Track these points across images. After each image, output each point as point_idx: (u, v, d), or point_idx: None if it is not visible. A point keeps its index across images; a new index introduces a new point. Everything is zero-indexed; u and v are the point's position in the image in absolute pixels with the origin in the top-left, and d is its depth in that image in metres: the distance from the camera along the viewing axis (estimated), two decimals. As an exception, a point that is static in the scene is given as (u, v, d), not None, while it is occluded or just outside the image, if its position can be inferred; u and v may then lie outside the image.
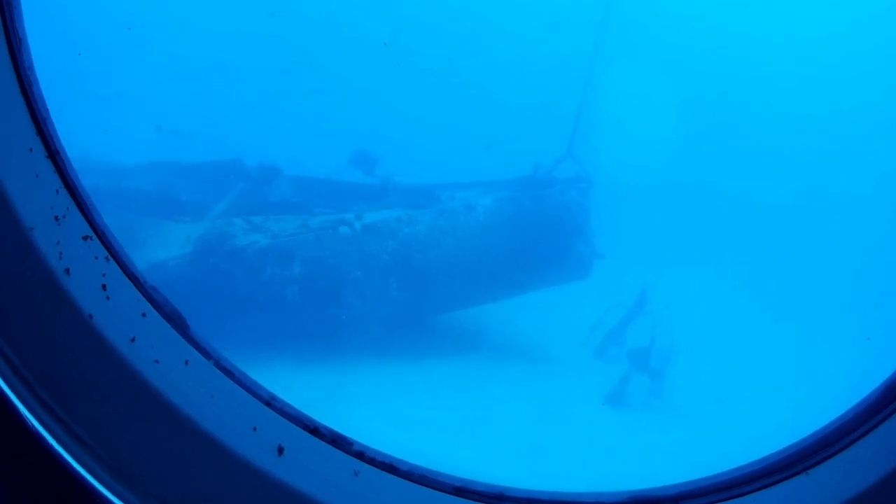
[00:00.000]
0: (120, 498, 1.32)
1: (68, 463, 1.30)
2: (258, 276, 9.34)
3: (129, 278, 1.38)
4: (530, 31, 25.02)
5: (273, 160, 11.42)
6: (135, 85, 21.07)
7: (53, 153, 1.34)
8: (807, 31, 25.88)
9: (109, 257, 1.36)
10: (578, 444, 9.15)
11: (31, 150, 1.31)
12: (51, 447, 1.29)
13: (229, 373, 1.43)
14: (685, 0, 25.07)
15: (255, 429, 1.38)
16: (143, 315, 1.38)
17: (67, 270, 1.31)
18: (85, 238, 1.35)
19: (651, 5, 24.30)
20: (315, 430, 1.42)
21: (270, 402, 1.44)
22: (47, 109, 1.35)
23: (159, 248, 9.18)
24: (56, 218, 1.32)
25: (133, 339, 1.34)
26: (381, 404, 8.91)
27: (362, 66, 23.49)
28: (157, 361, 1.35)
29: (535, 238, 10.50)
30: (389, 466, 1.43)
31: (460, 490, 1.45)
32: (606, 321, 11.82)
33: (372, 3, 24.80)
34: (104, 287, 1.35)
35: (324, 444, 1.42)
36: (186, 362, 1.39)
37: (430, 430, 8.67)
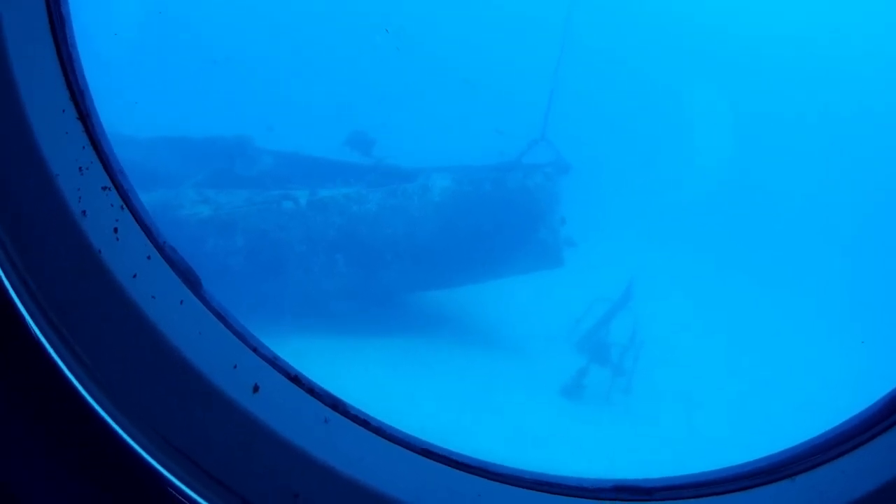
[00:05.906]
0: (105, 409, 1.53)
1: (66, 376, 1.50)
2: (200, 245, 9.41)
3: (140, 226, 1.59)
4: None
5: (267, 136, 11.41)
6: (160, 66, 21.46)
7: (84, 116, 1.55)
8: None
9: (124, 207, 1.58)
10: (535, 430, 9.35)
11: (63, 111, 1.52)
12: (53, 361, 1.49)
13: (221, 317, 1.64)
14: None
15: (235, 367, 1.60)
16: (148, 258, 1.59)
17: (84, 212, 1.52)
18: (104, 188, 1.56)
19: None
20: (296, 378, 1.63)
21: (257, 348, 1.65)
22: (84, 77, 1.56)
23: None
24: (80, 169, 1.53)
25: (135, 276, 1.55)
26: (331, 376, 8.99)
27: (371, 54, 23.71)
28: (154, 297, 1.56)
29: (494, 223, 10.28)
30: (362, 421, 1.63)
31: (427, 452, 1.60)
32: (591, 314, 11.63)
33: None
34: (115, 230, 1.56)
35: (300, 390, 1.63)
36: (181, 302, 1.60)
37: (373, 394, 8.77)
